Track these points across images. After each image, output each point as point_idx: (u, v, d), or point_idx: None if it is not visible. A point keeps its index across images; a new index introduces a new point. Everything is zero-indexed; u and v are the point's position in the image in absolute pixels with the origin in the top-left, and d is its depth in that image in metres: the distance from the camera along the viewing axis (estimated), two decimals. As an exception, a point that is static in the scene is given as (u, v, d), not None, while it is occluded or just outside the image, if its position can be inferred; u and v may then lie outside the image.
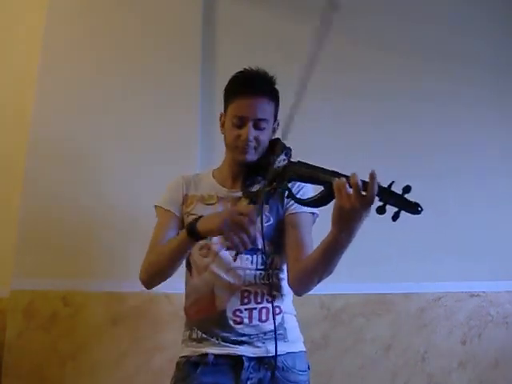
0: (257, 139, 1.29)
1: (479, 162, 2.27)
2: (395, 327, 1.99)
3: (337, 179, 1.02)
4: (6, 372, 1.70)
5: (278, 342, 1.23)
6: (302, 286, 1.26)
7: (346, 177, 1.02)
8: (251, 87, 1.32)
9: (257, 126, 1.30)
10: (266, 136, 1.31)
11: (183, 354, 1.30)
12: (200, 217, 1.21)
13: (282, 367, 1.24)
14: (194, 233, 1.18)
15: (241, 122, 1.29)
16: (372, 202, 0.98)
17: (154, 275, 1.32)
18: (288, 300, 1.34)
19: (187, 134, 1.98)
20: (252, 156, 1.31)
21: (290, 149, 1.29)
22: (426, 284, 2.05)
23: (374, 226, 1.89)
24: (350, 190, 0.98)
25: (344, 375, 1.92)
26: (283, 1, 2.27)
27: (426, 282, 2.05)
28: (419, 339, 2.00)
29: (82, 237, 1.84)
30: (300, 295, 1.29)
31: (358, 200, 0.98)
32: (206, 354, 1.24)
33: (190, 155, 1.96)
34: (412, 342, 1.99)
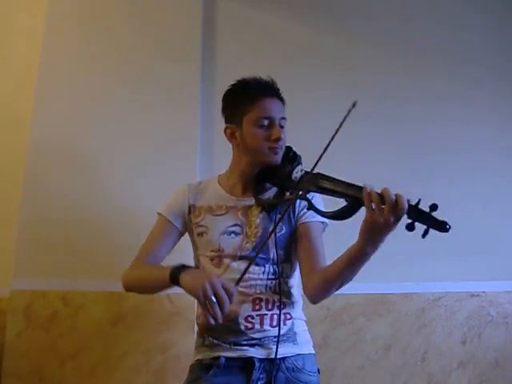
0: (283, 139, 1.29)
1: (479, 162, 2.26)
2: (395, 327, 1.99)
3: (367, 193, 1.02)
4: (6, 372, 1.70)
5: (288, 345, 1.26)
6: (320, 294, 1.25)
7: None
8: (271, 88, 1.32)
9: (280, 126, 1.30)
10: (285, 136, 1.31)
11: (196, 358, 1.32)
12: (185, 266, 1.20)
13: (293, 368, 1.25)
14: (175, 280, 1.18)
15: (268, 123, 1.28)
16: (402, 216, 0.99)
17: (134, 289, 1.38)
18: (298, 307, 1.35)
19: (187, 134, 1.98)
20: (280, 157, 1.30)
21: (300, 156, 1.29)
22: (426, 284, 2.05)
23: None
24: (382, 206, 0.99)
25: (344, 375, 1.92)
26: (283, 1, 2.26)
27: (425, 281, 2.04)
28: (419, 339, 2.00)
29: (82, 237, 1.83)
30: (316, 303, 1.29)
31: (391, 214, 0.99)
32: (219, 357, 1.25)
33: (189, 155, 1.95)
34: (412, 342, 1.99)
